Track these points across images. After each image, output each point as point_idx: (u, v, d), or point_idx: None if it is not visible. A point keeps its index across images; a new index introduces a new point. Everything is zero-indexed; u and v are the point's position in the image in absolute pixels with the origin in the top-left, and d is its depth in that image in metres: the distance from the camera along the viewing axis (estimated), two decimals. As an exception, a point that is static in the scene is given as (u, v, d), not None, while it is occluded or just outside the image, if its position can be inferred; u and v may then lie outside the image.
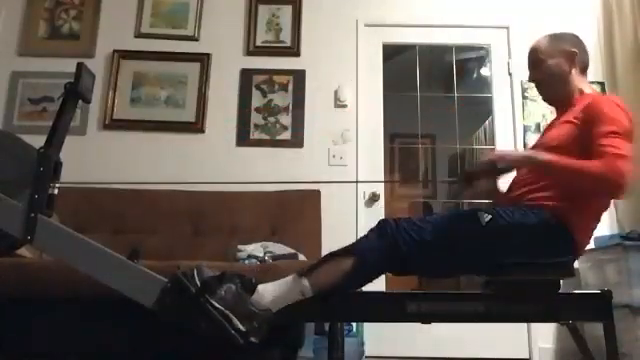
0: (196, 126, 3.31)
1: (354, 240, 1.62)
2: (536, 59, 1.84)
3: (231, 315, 1.40)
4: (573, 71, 1.78)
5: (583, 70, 1.83)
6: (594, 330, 1.80)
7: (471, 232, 1.55)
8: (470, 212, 1.62)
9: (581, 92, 1.77)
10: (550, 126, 1.87)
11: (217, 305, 1.41)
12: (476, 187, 1.71)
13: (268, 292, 1.48)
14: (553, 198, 1.61)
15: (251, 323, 1.42)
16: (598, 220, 1.68)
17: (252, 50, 3.44)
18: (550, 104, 1.93)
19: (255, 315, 1.43)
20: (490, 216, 1.56)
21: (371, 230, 1.60)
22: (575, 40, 1.85)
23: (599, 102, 1.67)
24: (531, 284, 1.58)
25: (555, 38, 1.85)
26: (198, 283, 1.43)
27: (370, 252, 1.53)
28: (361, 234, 1.71)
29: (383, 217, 1.65)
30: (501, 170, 1.66)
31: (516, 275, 1.57)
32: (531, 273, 1.57)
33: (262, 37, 3.46)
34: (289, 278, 1.52)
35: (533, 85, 1.94)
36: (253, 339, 1.41)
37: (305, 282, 1.49)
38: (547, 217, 1.58)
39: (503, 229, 1.55)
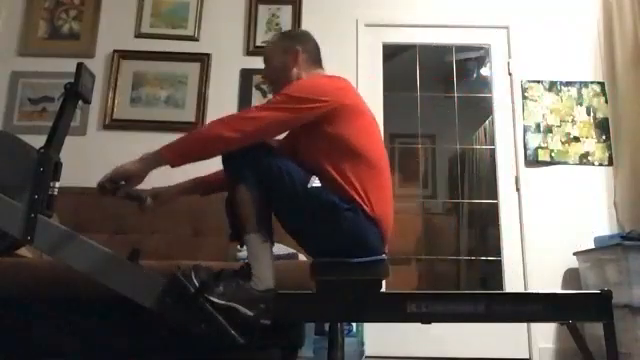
0: (196, 126, 3.30)
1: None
2: (264, 56, 1.87)
3: (236, 305, 1.42)
4: (295, 69, 1.79)
5: (312, 63, 1.82)
6: (594, 330, 1.80)
7: (296, 186, 1.53)
8: (305, 174, 1.58)
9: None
10: None
11: (218, 301, 1.41)
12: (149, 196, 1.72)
13: (262, 273, 1.49)
14: (328, 186, 1.58)
15: (258, 306, 1.43)
16: (386, 191, 1.65)
17: (252, 50, 3.44)
18: None
19: (259, 298, 1.44)
20: (320, 185, 1.55)
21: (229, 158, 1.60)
22: (304, 37, 1.87)
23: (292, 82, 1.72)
24: (350, 284, 1.56)
25: (283, 36, 1.89)
26: (196, 283, 1.43)
27: (246, 171, 1.54)
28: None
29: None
30: (128, 183, 1.60)
31: (332, 274, 1.56)
32: (346, 273, 1.56)
33: (262, 37, 3.46)
34: (253, 247, 1.52)
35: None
36: (264, 321, 1.43)
37: (251, 235, 1.51)
38: (348, 202, 1.55)
39: (320, 201, 1.53)
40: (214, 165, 1.72)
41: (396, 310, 1.56)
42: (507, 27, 3.52)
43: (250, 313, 1.42)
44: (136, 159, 1.58)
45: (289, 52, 1.80)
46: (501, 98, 3.46)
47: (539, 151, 3.31)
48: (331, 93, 1.62)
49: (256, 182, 1.53)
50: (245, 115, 1.60)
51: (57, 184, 1.51)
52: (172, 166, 1.57)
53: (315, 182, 1.56)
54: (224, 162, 1.61)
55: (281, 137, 1.79)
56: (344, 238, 1.55)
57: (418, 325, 1.63)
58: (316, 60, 1.85)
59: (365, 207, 1.56)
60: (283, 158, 1.59)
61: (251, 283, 1.47)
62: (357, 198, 1.56)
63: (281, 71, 1.79)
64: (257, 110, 1.60)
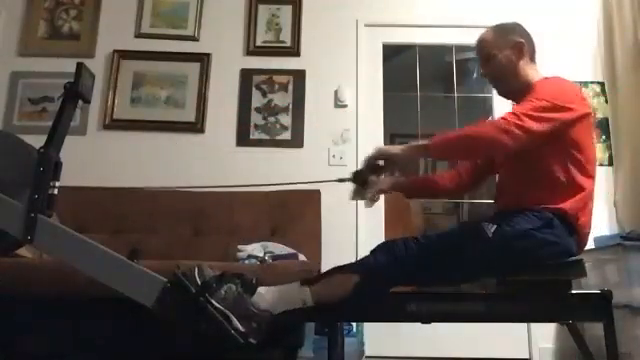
0: (196, 126, 3.31)
1: (356, 249, 1.63)
2: (485, 54, 1.84)
3: (231, 315, 1.41)
4: (521, 62, 1.78)
5: (532, 58, 1.83)
6: (594, 330, 1.80)
7: (478, 247, 1.54)
8: (474, 226, 1.60)
9: (530, 81, 1.77)
10: None
11: (217, 305, 1.41)
12: (372, 185, 1.70)
13: (269, 294, 1.48)
14: (548, 195, 1.61)
15: (250, 324, 1.42)
16: (591, 206, 1.69)
17: (252, 50, 3.44)
18: (506, 98, 1.95)
19: (254, 316, 1.43)
20: (495, 226, 1.55)
21: (376, 249, 1.60)
22: (520, 29, 1.86)
23: (535, 84, 1.71)
24: (543, 285, 1.58)
25: (500, 30, 1.86)
26: (199, 283, 1.43)
27: (376, 270, 1.53)
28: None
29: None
30: (386, 165, 1.64)
31: (527, 276, 1.57)
32: (542, 274, 1.57)
33: (262, 37, 3.46)
34: (294, 285, 1.53)
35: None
36: (252, 340, 1.41)
37: (308, 292, 1.50)
38: (549, 216, 1.58)
39: (510, 237, 1.54)
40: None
41: (396, 310, 1.56)
42: (507, 27, 3.51)
43: (241, 328, 1.40)
44: (400, 145, 1.61)
45: (513, 46, 1.78)
46: (501, 98, 3.43)
47: (539, 151, 3.30)
48: (575, 100, 1.65)
49: (364, 285, 1.51)
50: (522, 125, 1.55)
51: (57, 184, 1.51)
52: (434, 158, 1.60)
53: (490, 227, 1.55)
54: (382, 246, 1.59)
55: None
56: (542, 251, 1.56)
57: (418, 325, 1.63)
58: (534, 55, 1.84)
59: (571, 217, 1.59)
60: (439, 233, 1.61)
61: (252, 298, 1.46)
62: (568, 208, 1.59)
63: (507, 67, 1.78)
64: (518, 119, 1.55)
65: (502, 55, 1.78)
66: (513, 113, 1.58)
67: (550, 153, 1.63)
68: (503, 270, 1.59)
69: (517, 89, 1.77)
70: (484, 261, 1.55)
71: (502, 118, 1.58)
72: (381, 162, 1.62)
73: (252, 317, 1.43)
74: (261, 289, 1.49)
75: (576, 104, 1.63)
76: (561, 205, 1.59)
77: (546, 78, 1.77)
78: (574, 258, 1.61)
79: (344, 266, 1.57)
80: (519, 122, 1.54)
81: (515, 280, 1.59)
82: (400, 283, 1.58)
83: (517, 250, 1.54)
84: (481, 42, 1.86)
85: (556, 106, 1.59)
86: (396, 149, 1.60)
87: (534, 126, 1.54)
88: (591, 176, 1.66)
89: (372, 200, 1.76)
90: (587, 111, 1.66)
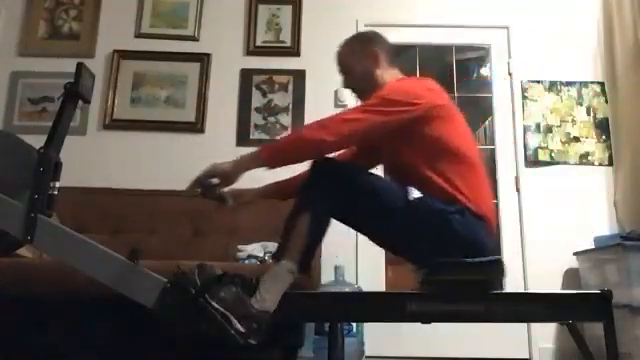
0: (196, 126, 3.31)
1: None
2: (343, 67, 1.86)
3: (230, 316, 1.40)
4: (378, 71, 1.79)
5: (391, 64, 1.83)
6: (594, 330, 1.80)
7: (396, 201, 1.54)
8: (404, 187, 1.59)
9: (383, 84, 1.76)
10: None
11: (216, 306, 1.40)
12: (231, 196, 1.71)
13: (268, 293, 1.48)
14: (438, 182, 1.59)
15: (250, 324, 1.41)
16: (486, 185, 1.67)
17: (252, 50, 3.44)
18: None
19: (254, 316, 1.43)
20: (420, 195, 1.55)
21: (311, 176, 1.59)
22: (376, 38, 1.87)
23: (383, 85, 1.71)
24: (466, 284, 1.56)
25: (356, 41, 1.88)
26: (198, 283, 1.43)
27: (316, 203, 1.54)
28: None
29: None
30: (221, 182, 1.58)
31: (447, 275, 1.56)
32: (463, 273, 1.56)
33: (262, 37, 3.46)
34: (274, 268, 1.52)
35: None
36: (252, 340, 1.41)
37: (285, 262, 1.50)
38: (453, 204, 1.56)
39: (425, 211, 1.54)
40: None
41: (396, 310, 1.56)
42: (507, 27, 3.51)
43: (241, 329, 1.40)
44: (233, 160, 1.57)
45: (368, 56, 1.80)
46: (501, 98, 3.45)
47: (539, 151, 3.31)
48: (423, 95, 1.64)
49: (321, 215, 1.53)
50: (341, 118, 1.58)
51: (57, 184, 1.51)
52: (269, 168, 1.56)
53: (414, 193, 1.56)
54: (311, 173, 1.59)
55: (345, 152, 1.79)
56: (456, 242, 1.55)
57: (418, 325, 1.63)
58: (393, 59, 1.85)
59: (471, 206, 1.57)
60: (373, 176, 1.60)
61: (252, 299, 1.45)
62: (461, 198, 1.57)
63: (366, 77, 1.79)
64: (353, 113, 1.60)
65: (360, 66, 1.80)
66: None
67: (412, 152, 1.63)
68: (408, 241, 1.59)
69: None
70: (394, 219, 1.55)
71: (329, 116, 1.59)
72: (215, 180, 1.58)
73: (252, 318, 1.42)
74: (261, 289, 1.48)
75: (423, 99, 1.61)
76: (438, 205, 1.56)
77: (398, 79, 1.78)
78: (494, 257, 1.60)
79: (291, 213, 1.56)
80: (344, 117, 1.57)
81: (439, 280, 1.58)
82: (340, 212, 1.58)
83: (425, 228, 1.54)
84: (339, 55, 1.88)
85: (397, 102, 1.58)
86: (226, 165, 1.57)
87: (362, 117, 1.55)
88: (466, 163, 1.63)
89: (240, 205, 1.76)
90: (438, 102, 1.65)
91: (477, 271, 1.57)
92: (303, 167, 1.65)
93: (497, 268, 1.61)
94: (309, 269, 1.56)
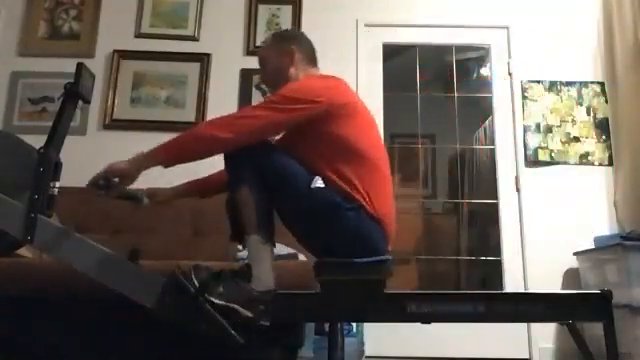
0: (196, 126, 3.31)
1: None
2: (261, 61, 1.87)
3: (236, 306, 1.41)
4: (292, 69, 1.78)
5: (310, 63, 1.83)
6: (594, 330, 1.80)
7: (298, 186, 1.54)
8: (309, 175, 1.58)
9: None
10: None
11: (218, 302, 1.41)
12: (142, 195, 1.72)
13: (263, 274, 1.49)
14: (336, 180, 1.57)
15: (257, 308, 1.43)
16: (388, 188, 1.65)
17: (252, 50, 3.44)
18: None
19: (258, 299, 1.44)
20: (323, 185, 1.55)
21: (230, 161, 1.59)
22: (298, 37, 1.88)
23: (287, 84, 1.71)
24: (354, 284, 1.55)
25: (276, 38, 1.88)
26: (196, 283, 1.43)
27: (248, 172, 1.54)
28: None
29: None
30: (121, 181, 1.56)
31: (330, 274, 1.55)
32: (350, 273, 1.55)
33: (262, 37, 3.45)
34: (254, 249, 1.52)
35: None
36: (264, 322, 1.42)
37: (252, 237, 1.51)
38: (350, 201, 1.55)
39: (323, 202, 1.53)
40: (204, 166, 1.72)
41: (396, 310, 1.56)
42: (507, 27, 3.52)
43: (249, 314, 1.41)
44: (130, 158, 1.56)
45: (285, 53, 1.80)
46: (501, 98, 3.46)
47: (539, 151, 3.31)
48: (324, 93, 1.62)
49: (258, 183, 1.53)
50: (238, 115, 1.60)
51: (57, 184, 1.51)
52: (165, 166, 1.57)
53: (318, 182, 1.55)
54: (226, 162, 1.60)
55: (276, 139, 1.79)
56: (348, 238, 1.55)
57: (418, 325, 1.63)
58: (312, 59, 1.85)
59: (367, 206, 1.56)
60: (286, 157, 1.59)
61: (251, 284, 1.47)
62: (358, 198, 1.56)
63: (279, 73, 1.79)
64: (251, 110, 1.61)
65: (274, 62, 1.81)
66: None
67: (310, 150, 1.62)
68: (301, 225, 1.59)
69: None
70: (292, 201, 1.55)
71: (230, 113, 1.60)
72: (115, 179, 1.56)
73: (257, 301, 1.43)
74: (254, 271, 1.49)
75: (323, 97, 1.60)
76: (336, 199, 1.55)
77: (305, 78, 1.77)
78: (382, 257, 1.58)
79: (230, 194, 1.59)
80: (243, 114, 1.59)
81: (324, 279, 1.57)
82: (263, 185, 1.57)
83: (321, 213, 1.53)
84: (259, 51, 1.91)
85: (296, 99, 1.58)
86: (123, 163, 1.56)
87: (260, 114, 1.55)
88: (367, 164, 1.61)
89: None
90: (339, 101, 1.63)
91: (366, 271, 1.56)
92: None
93: (385, 268, 1.59)
94: (273, 238, 1.56)
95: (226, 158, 1.60)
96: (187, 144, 1.60)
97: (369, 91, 3.39)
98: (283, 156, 1.59)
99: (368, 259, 1.56)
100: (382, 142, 1.75)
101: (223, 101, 3.36)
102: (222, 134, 1.53)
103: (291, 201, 1.56)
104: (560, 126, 3.34)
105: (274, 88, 1.78)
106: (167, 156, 1.57)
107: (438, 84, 3.90)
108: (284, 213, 1.60)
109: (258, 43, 3.45)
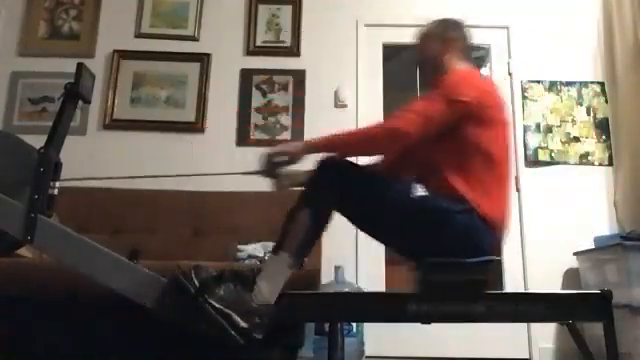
0: (196, 126, 3.31)
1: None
2: (417, 45, 1.91)
3: (232, 313, 1.41)
4: (447, 55, 1.82)
5: (463, 54, 1.87)
6: (594, 330, 1.80)
7: (397, 197, 1.56)
8: (407, 183, 1.62)
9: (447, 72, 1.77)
10: None
11: (217, 305, 1.41)
12: (286, 177, 1.72)
13: (266, 286, 1.48)
14: (453, 180, 1.59)
15: (252, 319, 1.42)
16: (505, 193, 1.66)
17: (252, 50, 3.44)
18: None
19: (256, 311, 1.43)
20: (425, 194, 1.57)
21: (317, 174, 1.60)
22: (455, 25, 1.95)
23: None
24: (461, 284, 1.56)
25: (437, 24, 1.96)
26: (196, 283, 1.43)
27: (320, 200, 1.56)
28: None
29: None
30: (278, 163, 1.64)
31: (442, 275, 1.56)
32: (459, 273, 1.56)
33: (262, 37, 3.46)
34: (270, 262, 1.54)
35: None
36: (256, 335, 1.42)
37: (284, 255, 1.51)
38: (461, 204, 1.56)
39: (428, 208, 1.55)
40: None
41: (396, 310, 1.56)
42: (507, 27, 3.51)
43: (244, 324, 1.41)
44: (301, 141, 1.65)
45: (442, 39, 1.84)
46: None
47: (539, 151, 3.31)
48: (478, 95, 1.63)
49: (324, 212, 1.55)
50: (415, 109, 1.65)
51: (57, 184, 1.51)
52: (338, 152, 1.60)
53: (418, 191, 1.57)
54: (310, 181, 1.60)
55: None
56: (456, 241, 1.55)
57: (418, 325, 1.63)
58: (468, 52, 1.88)
59: (479, 210, 1.56)
60: (375, 173, 1.64)
61: (251, 294, 1.46)
62: (471, 200, 1.56)
63: (432, 58, 1.82)
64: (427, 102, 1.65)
65: (432, 47, 1.87)
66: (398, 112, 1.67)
67: (437, 149, 1.65)
68: (408, 239, 1.59)
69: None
70: (394, 215, 1.56)
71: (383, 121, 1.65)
72: (283, 158, 1.63)
73: (254, 312, 1.43)
74: (259, 282, 1.49)
75: (477, 96, 1.64)
76: (441, 204, 1.57)
77: (462, 71, 1.80)
78: (487, 258, 1.60)
79: (292, 208, 1.57)
80: (416, 108, 1.65)
81: (433, 280, 1.58)
82: (340, 209, 1.60)
83: (425, 227, 1.54)
84: (421, 30, 2.00)
85: (462, 93, 1.62)
86: (297, 145, 1.63)
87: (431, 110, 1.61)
88: (493, 169, 1.64)
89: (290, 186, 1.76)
90: (489, 103, 1.66)
91: (473, 271, 1.57)
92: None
93: (492, 269, 1.61)
94: (302, 265, 1.57)
95: (318, 167, 1.60)
96: (358, 142, 1.63)
97: (369, 91, 3.39)
98: (372, 172, 1.64)
99: (476, 259, 1.56)
100: (509, 147, 1.73)
101: (223, 101, 3.36)
102: (404, 127, 1.60)
103: (390, 213, 1.56)
104: (560, 126, 3.34)
105: (424, 72, 1.85)
106: (335, 147, 1.61)
107: (438, 84, 3.89)
108: (382, 228, 1.61)
109: (258, 43, 3.45)
